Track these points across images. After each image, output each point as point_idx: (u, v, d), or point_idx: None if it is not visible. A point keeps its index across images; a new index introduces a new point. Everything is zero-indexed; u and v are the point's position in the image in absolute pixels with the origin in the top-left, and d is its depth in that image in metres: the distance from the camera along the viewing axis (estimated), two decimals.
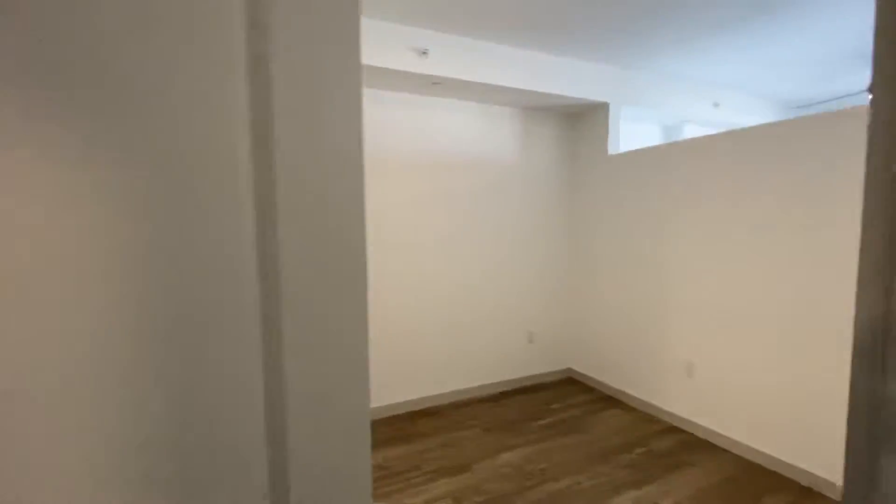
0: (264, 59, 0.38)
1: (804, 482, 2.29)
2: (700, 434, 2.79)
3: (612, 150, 3.44)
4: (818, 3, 2.47)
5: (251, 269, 0.39)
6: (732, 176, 2.58)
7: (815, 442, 2.25)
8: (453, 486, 2.31)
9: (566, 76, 3.19)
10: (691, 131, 4.28)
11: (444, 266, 3.29)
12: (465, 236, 3.35)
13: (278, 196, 0.40)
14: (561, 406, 3.30)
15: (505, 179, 3.49)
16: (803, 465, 2.29)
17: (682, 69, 3.51)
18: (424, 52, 2.68)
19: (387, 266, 3.08)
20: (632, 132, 4.00)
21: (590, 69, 3.30)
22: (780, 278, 2.36)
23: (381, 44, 2.57)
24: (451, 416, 3.14)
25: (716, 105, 4.02)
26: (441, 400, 3.33)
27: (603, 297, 3.54)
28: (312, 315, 0.43)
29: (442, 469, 2.46)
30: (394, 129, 3.05)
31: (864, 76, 3.58)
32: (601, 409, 3.23)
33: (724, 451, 2.63)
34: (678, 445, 2.71)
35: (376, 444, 2.74)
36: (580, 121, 3.66)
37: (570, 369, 3.90)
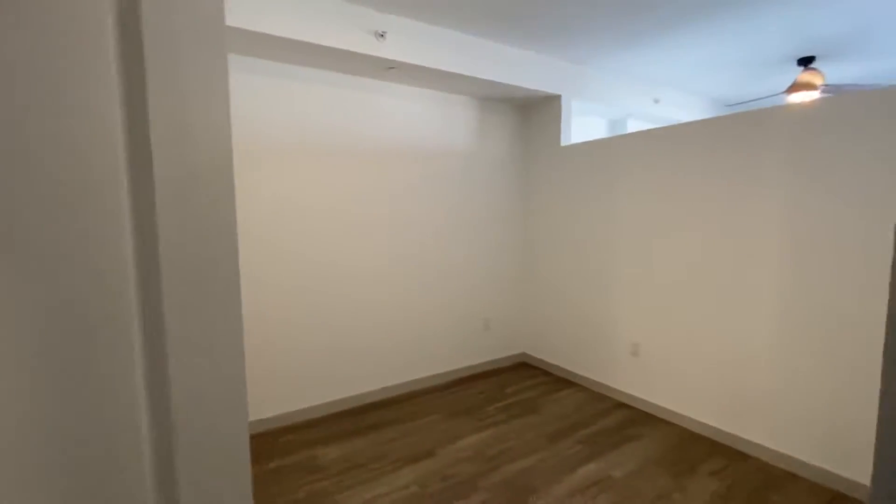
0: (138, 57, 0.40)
1: (738, 447, 2.52)
2: (646, 409, 3.00)
3: (563, 142, 3.55)
4: (749, 6, 2.68)
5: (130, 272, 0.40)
6: (671, 166, 2.76)
7: (746, 409, 2.48)
8: (418, 473, 2.32)
9: (522, 68, 3.24)
10: (634, 125, 4.52)
11: (399, 255, 3.26)
12: (420, 225, 3.34)
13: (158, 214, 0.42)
14: (516, 389, 3.40)
15: (460, 168, 3.51)
16: (737, 432, 2.53)
17: (628, 66, 3.68)
18: (382, 35, 2.61)
19: (340, 256, 3.00)
20: (580, 125, 4.16)
21: (544, 62, 3.37)
22: (713, 259, 2.57)
23: (338, 24, 2.47)
24: (412, 405, 3.14)
25: (656, 101, 4.26)
26: (400, 390, 3.33)
27: (555, 283, 3.68)
28: (188, 316, 0.45)
29: (405, 457, 2.47)
30: (346, 114, 2.96)
31: (785, 78, 3.95)
32: (555, 391, 3.37)
33: (668, 423, 2.84)
34: (626, 420, 2.89)
35: (338, 438, 2.69)
36: (534, 112, 3.75)
37: (524, 353, 4.02)
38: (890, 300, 0.52)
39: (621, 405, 3.11)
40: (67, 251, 0.35)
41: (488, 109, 3.63)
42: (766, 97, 4.02)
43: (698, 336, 2.69)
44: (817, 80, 3.41)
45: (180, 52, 0.41)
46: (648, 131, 2.91)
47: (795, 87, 3.52)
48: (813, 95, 3.51)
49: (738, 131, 2.45)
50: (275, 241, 2.75)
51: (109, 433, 0.38)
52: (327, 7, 2.44)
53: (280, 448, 2.57)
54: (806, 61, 3.53)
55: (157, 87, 0.40)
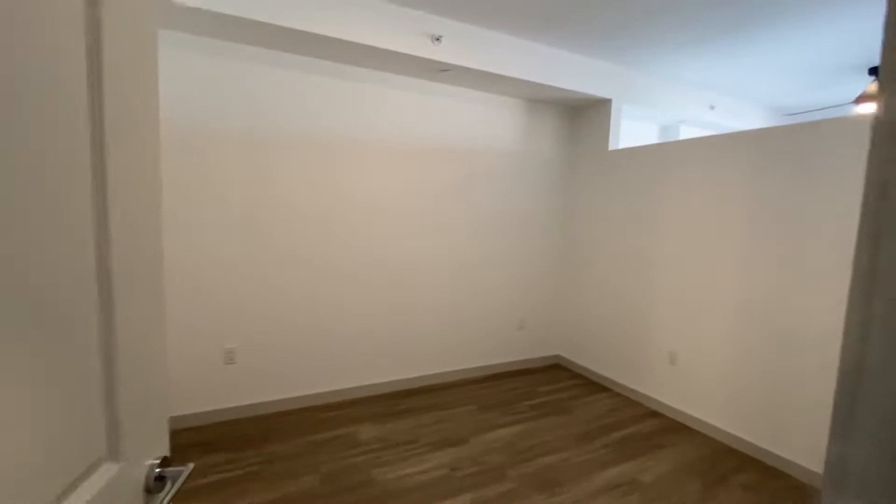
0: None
1: (770, 462, 2.48)
2: (679, 418, 2.98)
3: (612, 146, 3.55)
4: (817, 12, 2.60)
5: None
6: (724, 176, 2.72)
7: (781, 426, 2.44)
8: (450, 457, 2.44)
9: (572, 71, 3.27)
10: (687, 132, 4.43)
11: (442, 251, 3.38)
12: (463, 223, 3.45)
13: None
14: (549, 390, 3.45)
15: (504, 168, 3.59)
16: (775, 449, 2.48)
17: (682, 72, 3.62)
18: (438, 39, 2.74)
19: (387, 249, 3.16)
20: (630, 130, 4.12)
21: (595, 66, 3.39)
22: (759, 272, 2.52)
23: (396, 28, 2.61)
24: (447, 394, 3.27)
25: (712, 108, 4.16)
26: (436, 380, 3.46)
27: (593, 288, 3.69)
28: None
29: (438, 442, 2.59)
30: (398, 114, 3.11)
31: (854, 88, 3.75)
32: (587, 394, 3.40)
33: (701, 434, 2.82)
34: (659, 428, 2.89)
35: (376, 418, 2.85)
36: (582, 115, 3.76)
37: (558, 356, 4.06)
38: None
39: (654, 413, 3.10)
40: None
41: (536, 111, 3.69)
42: (830, 107, 3.83)
43: (739, 348, 2.65)
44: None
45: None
46: (698, 139, 2.88)
47: (865, 97, 3.35)
48: None
49: (796, 142, 2.40)
50: (331, 229, 2.94)
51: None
52: (386, 10, 2.58)
53: (322, 423, 2.77)
54: (877, 70, 3.35)
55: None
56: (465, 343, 3.58)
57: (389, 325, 3.23)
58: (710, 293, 2.80)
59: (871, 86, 3.25)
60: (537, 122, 3.71)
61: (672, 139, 4.10)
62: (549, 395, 3.35)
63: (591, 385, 3.57)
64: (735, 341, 2.68)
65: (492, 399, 3.23)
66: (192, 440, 2.51)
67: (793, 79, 3.69)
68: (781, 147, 2.44)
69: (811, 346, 2.32)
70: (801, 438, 2.38)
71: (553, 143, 3.81)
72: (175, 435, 2.54)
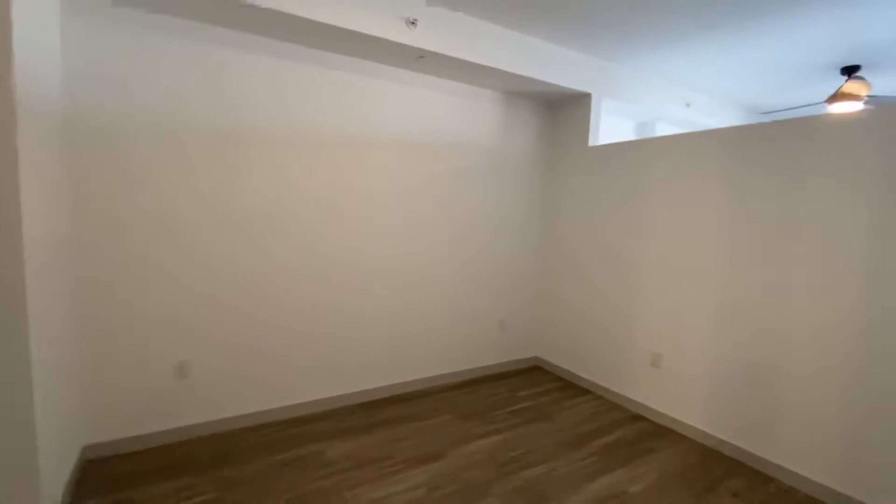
0: None
1: (757, 467, 2.41)
2: (664, 422, 2.89)
3: (592, 142, 3.45)
4: (791, 12, 2.57)
5: None
6: (707, 173, 2.64)
7: (767, 429, 2.37)
8: (428, 475, 2.25)
9: (553, 63, 3.14)
10: (663, 130, 4.39)
11: (416, 250, 3.19)
12: (439, 220, 3.26)
13: None
14: (529, 394, 3.31)
15: (483, 165, 3.42)
16: (759, 452, 2.42)
17: (662, 67, 3.56)
18: (413, 22, 2.54)
19: (355, 248, 2.94)
20: (606, 126, 4.04)
21: (575, 58, 3.27)
22: (743, 271, 2.45)
23: (369, 9, 2.40)
24: (422, 403, 3.07)
25: (687, 105, 4.13)
26: (411, 387, 3.26)
27: (574, 288, 3.58)
28: None
29: (415, 458, 2.40)
30: (370, 104, 2.89)
31: (824, 87, 3.79)
32: (568, 398, 3.28)
33: (686, 438, 2.74)
34: (643, 433, 2.79)
35: (347, 433, 2.63)
36: (561, 110, 3.65)
37: (536, 357, 3.94)
38: None
39: (638, 417, 3.01)
40: None
41: (515, 105, 3.54)
42: (804, 106, 3.86)
43: (723, 349, 2.58)
44: (863, 91, 3.27)
45: None
46: (684, 135, 2.80)
47: (839, 96, 3.37)
48: (856, 106, 3.37)
49: (779, 139, 2.33)
50: (296, 227, 2.69)
51: None
52: None
53: (286, 441, 2.52)
54: (850, 70, 3.38)
55: None
56: (441, 347, 3.39)
57: (360, 330, 3.01)
58: (694, 293, 2.73)
59: (848, 84, 3.26)
60: (516, 117, 3.56)
61: (648, 136, 4.05)
62: (530, 399, 3.21)
63: (571, 388, 3.45)
64: (719, 342, 2.61)
65: (471, 406, 3.05)
66: (135, 467, 2.22)
67: (767, 77, 3.69)
68: (765, 144, 2.37)
69: (796, 346, 2.27)
70: (787, 440, 2.32)
71: (532, 139, 3.68)
72: (112, 463, 2.24)
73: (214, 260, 2.48)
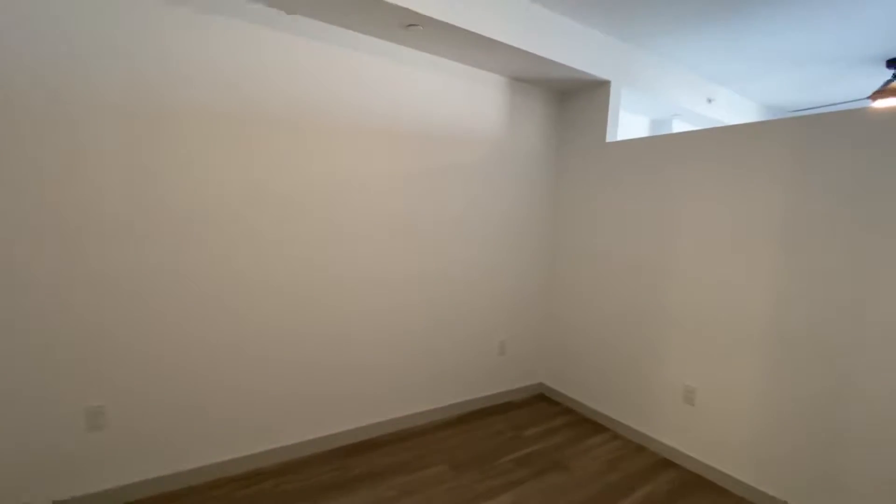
0: None
1: None
2: (701, 471, 2.42)
3: (610, 137, 2.98)
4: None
5: None
6: (758, 172, 2.18)
7: (836, 490, 1.91)
8: None
9: (568, 41, 2.66)
10: (679, 128, 3.96)
11: (403, 260, 2.66)
12: (430, 225, 2.74)
13: None
14: (537, 432, 2.81)
15: (482, 161, 2.92)
16: None
17: (684, 54, 3.11)
18: None
19: (331, 261, 2.40)
20: (620, 121, 3.58)
21: (594, 38, 2.80)
22: (806, 292, 1.99)
23: None
24: (412, 447, 2.54)
25: (710, 101, 3.71)
26: (398, 425, 2.72)
27: (586, 304, 3.10)
28: None
29: None
30: (352, 82, 2.36)
31: (863, 83, 3.40)
32: (583, 436, 2.78)
33: (728, 492, 2.27)
34: (678, 485, 2.31)
35: (317, 493, 2.07)
36: (573, 100, 3.17)
37: (542, 385, 3.44)
38: None
39: (668, 463, 2.53)
40: None
41: (521, 93, 3.05)
42: (841, 103, 3.46)
43: (777, 386, 2.11)
44: None
45: None
46: (731, 127, 2.33)
47: (887, 91, 2.97)
48: None
49: (833, 134, 1.89)
50: (248, 232, 2.14)
51: None
52: None
53: None
54: None
55: None
56: (433, 377, 2.87)
57: (334, 358, 2.47)
58: (738, 316, 2.26)
59: None
60: (522, 107, 3.07)
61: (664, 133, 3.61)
62: (539, 440, 2.71)
63: (585, 423, 2.96)
64: (771, 376, 2.14)
65: (468, 451, 2.53)
66: None
67: (794, 71, 3.28)
68: (835, 136, 1.92)
69: (875, 387, 1.81)
70: (856, 500, 1.86)
71: (540, 133, 3.19)
72: None
73: (134, 270, 1.91)
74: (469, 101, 2.80)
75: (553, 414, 3.08)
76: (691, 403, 2.49)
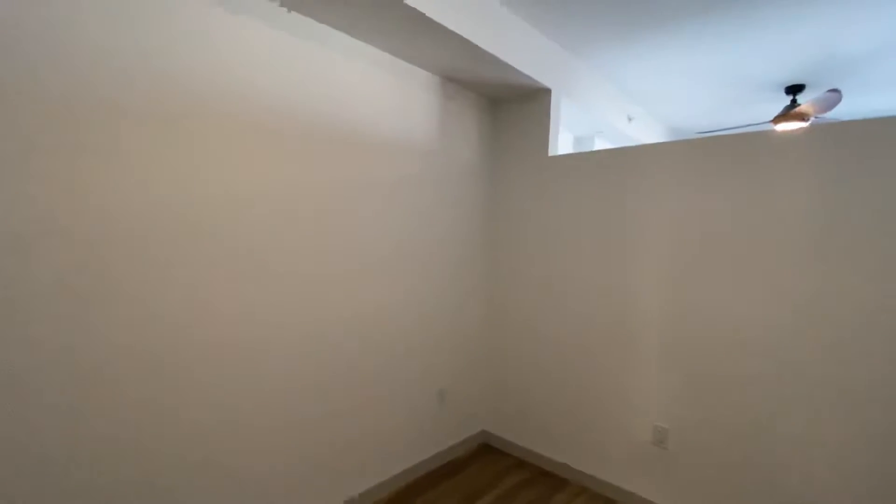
0: None
1: None
2: None
3: (552, 151, 2.69)
4: (750, 21, 2.27)
5: None
6: (721, 190, 2.03)
7: None
8: None
9: (510, 38, 2.31)
10: (600, 146, 3.91)
11: (310, 300, 2.01)
12: (346, 252, 2.14)
13: None
14: (493, 499, 2.32)
15: (411, 173, 2.40)
16: None
17: (613, 68, 3.00)
18: None
19: (217, 302, 1.68)
20: None
21: (533, 38, 2.50)
22: (789, 316, 1.85)
23: None
24: None
25: (630, 119, 3.69)
26: None
27: (533, 338, 2.73)
28: None
29: None
30: (247, 61, 1.70)
31: (760, 110, 3.65)
32: (545, 496, 2.37)
33: None
34: None
35: None
36: (511, 109, 2.83)
37: (485, 432, 2.97)
38: None
39: None
40: None
41: (454, 96, 2.62)
42: (746, 126, 3.68)
43: (760, 423, 1.93)
44: (811, 112, 3.08)
45: None
46: (693, 140, 2.16)
47: (788, 116, 3.16)
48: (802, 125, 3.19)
49: (826, 145, 1.80)
50: (94, 260, 1.34)
51: None
52: None
53: None
54: (795, 90, 3.21)
55: None
56: (357, 446, 2.22)
57: (223, 441, 1.71)
58: (714, 346, 2.05)
59: (805, 106, 3.04)
60: (456, 113, 2.64)
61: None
62: None
63: (542, 479, 2.55)
64: (753, 410, 1.95)
65: None
66: None
67: (704, 92, 3.40)
68: (818, 150, 1.81)
69: (859, 414, 1.68)
70: None
71: (475, 143, 2.79)
72: None
73: None
74: (396, 99, 2.28)
75: (504, 470, 2.62)
76: (662, 446, 2.22)
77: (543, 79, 2.56)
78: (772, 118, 3.39)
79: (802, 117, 3.13)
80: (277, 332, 1.84)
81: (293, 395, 1.91)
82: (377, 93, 2.18)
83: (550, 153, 2.69)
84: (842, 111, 3.42)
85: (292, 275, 1.88)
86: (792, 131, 1.90)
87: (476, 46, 2.10)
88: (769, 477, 1.91)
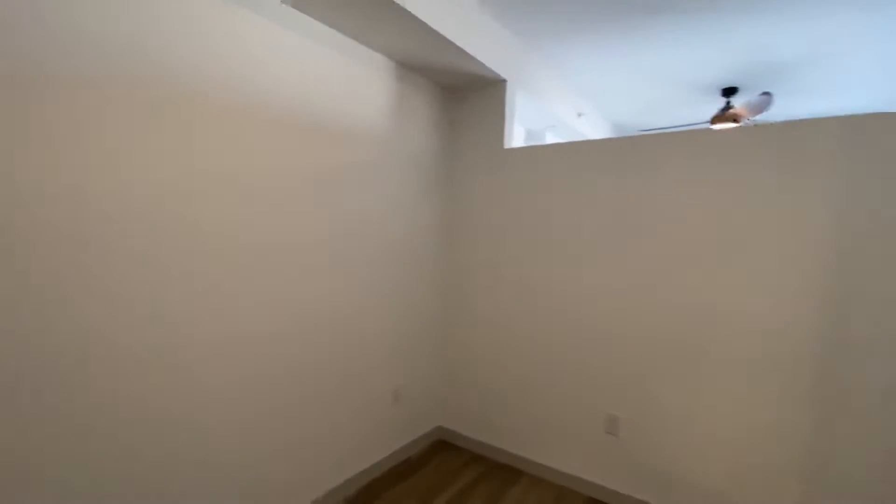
0: None
1: None
2: None
3: (507, 143, 2.67)
4: (678, 23, 2.37)
5: None
6: (676, 181, 2.10)
7: None
8: None
9: (469, 25, 2.25)
10: (552, 140, 3.96)
11: (255, 300, 1.86)
12: (292, 247, 2.01)
13: None
14: (450, 498, 2.28)
15: (366, 162, 2.29)
16: None
17: (567, 61, 3.03)
18: None
19: (147, 304, 1.49)
20: None
21: (488, 26, 2.45)
22: (725, 304, 1.95)
23: None
24: None
25: (580, 114, 3.77)
26: None
27: (488, 333, 2.72)
28: None
29: None
30: (192, 42, 1.51)
31: (700, 109, 3.85)
32: (501, 488, 2.37)
33: None
34: None
35: None
36: (466, 100, 2.78)
37: (440, 428, 2.92)
38: None
39: (598, 503, 2.28)
40: None
41: (410, 84, 2.52)
42: (686, 125, 3.87)
43: (714, 409, 2.03)
44: (745, 114, 3.29)
45: None
46: (656, 134, 2.21)
47: (724, 117, 3.36)
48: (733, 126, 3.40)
49: (774, 144, 1.90)
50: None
51: None
52: None
53: None
54: (729, 92, 3.41)
55: None
56: (307, 452, 2.09)
57: (158, 448, 1.53)
58: (662, 336, 2.13)
59: (738, 108, 3.23)
60: (412, 101, 2.54)
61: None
62: None
63: (498, 471, 2.55)
64: (707, 395, 2.05)
65: None
66: None
67: (647, 91, 3.54)
68: (769, 148, 1.91)
69: (795, 395, 1.82)
70: None
71: (431, 134, 2.70)
72: None
73: None
74: (347, 82, 2.15)
75: (460, 466, 2.59)
76: (615, 434, 2.29)
77: (500, 69, 2.52)
78: (710, 118, 3.58)
79: (735, 118, 3.33)
80: (216, 329, 1.67)
81: (233, 395, 1.75)
82: (325, 70, 2.03)
83: (506, 145, 2.66)
84: (774, 113, 3.68)
85: (236, 268, 1.71)
86: (727, 131, 2.00)
87: (434, 31, 2.02)
88: (720, 466, 2.02)
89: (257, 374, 1.81)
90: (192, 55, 1.52)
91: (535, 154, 2.53)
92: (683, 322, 2.07)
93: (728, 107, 3.40)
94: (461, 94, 2.79)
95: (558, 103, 3.40)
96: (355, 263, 2.24)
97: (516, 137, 3.80)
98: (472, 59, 2.31)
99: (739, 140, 1.95)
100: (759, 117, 3.59)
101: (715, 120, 3.42)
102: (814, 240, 1.78)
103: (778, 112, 3.72)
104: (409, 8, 1.84)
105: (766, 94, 2.98)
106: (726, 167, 1.97)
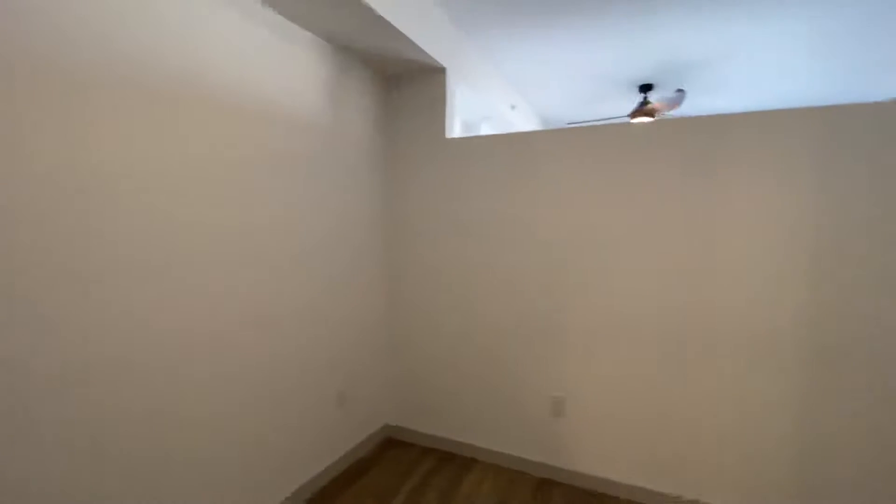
0: None
1: None
2: (587, 484, 2.32)
3: (448, 133, 2.64)
4: (595, 19, 2.53)
5: None
6: (621, 170, 2.21)
7: (721, 478, 2.07)
8: None
9: (408, 8, 2.18)
10: (486, 131, 4.00)
11: (188, 303, 1.68)
12: (220, 242, 1.83)
13: None
14: (407, 494, 2.23)
15: (301, 149, 2.13)
16: (702, 498, 2.09)
17: (504, 53, 3.08)
18: None
19: (59, 307, 1.27)
20: None
21: (427, 10, 2.40)
22: (668, 289, 2.11)
23: None
24: None
25: (513, 107, 3.85)
26: None
27: (432, 324, 2.69)
28: None
29: None
30: (92, 6, 1.28)
31: (619, 104, 4.11)
32: (455, 478, 2.37)
33: (622, 500, 2.22)
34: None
35: None
36: (405, 88, 2.70)
37: (387, 426, 2.85)
38: None
39: (549, 482, 2.36)
40: None
41: (346, 69, 2.39)
42: (607, 119, 4.11)
43: (651, 386, 2.18)
44: (662, 109, 3.57)
45: None
46: (595, 127, 2.29)
47: (642, 112, 3.61)
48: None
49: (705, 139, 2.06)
50: None
51: None
52: None
53: None
54: (646, 88, 3.68)
55: None
56: (249, 465, 1.93)
57: (81, 455, 1.31)
58: (602, 318, 2.25)
59: (656, 103, 3.49)
60: (348, 87, 2.41)
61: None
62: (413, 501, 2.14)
63: (451, 462, 2.55)
64: (645, 374, 2.20)
65: None
66: None
67: (571, 85, 3.72)
68: (688, 140, 2.07)
69: (726, 369, 2.02)
70: (726, 480, 2.05)
71: (370, 122, 2.60)
72: None
73: None
74: (279, 64, 1.98)
75: (413, 461, 2.55)
76: (560, 415, 2.38)
77: (439, 56, 2.48)
78: (629, 113, 3.84)
79: (652, 113, 3.60)
80: (142, 330, 1.46)
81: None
82: (259, 55, 1.85)
83: (447, 135, 2.64)
84: (686, 109, 4.03)
85: (157, 265, 1.50)
86: (644, 125, 2.15)
87: (374, 12, 1.92)
88: (664, 436, 2.17)
89: (180, 386, 1.62)
90: (94, 21, 1.30)
91: (477, 144, 2.53)
92: (620, 307, 2.20)
93: (645, 102, 3.66)
94: (401, 82, 2.70)
95: (493, 95, 3.44)
96: (281, 258, 2.08)
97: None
98: (412, 44, 2.24)
99: (652, 133, 2.10)
100: (674, 112, 3.91)
101: (634, 114, 3.67)
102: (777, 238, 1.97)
103: (689, 107, 4.08)
104: None
105: (680, 90, 3.25)
106: (638, 161, 2.11)
